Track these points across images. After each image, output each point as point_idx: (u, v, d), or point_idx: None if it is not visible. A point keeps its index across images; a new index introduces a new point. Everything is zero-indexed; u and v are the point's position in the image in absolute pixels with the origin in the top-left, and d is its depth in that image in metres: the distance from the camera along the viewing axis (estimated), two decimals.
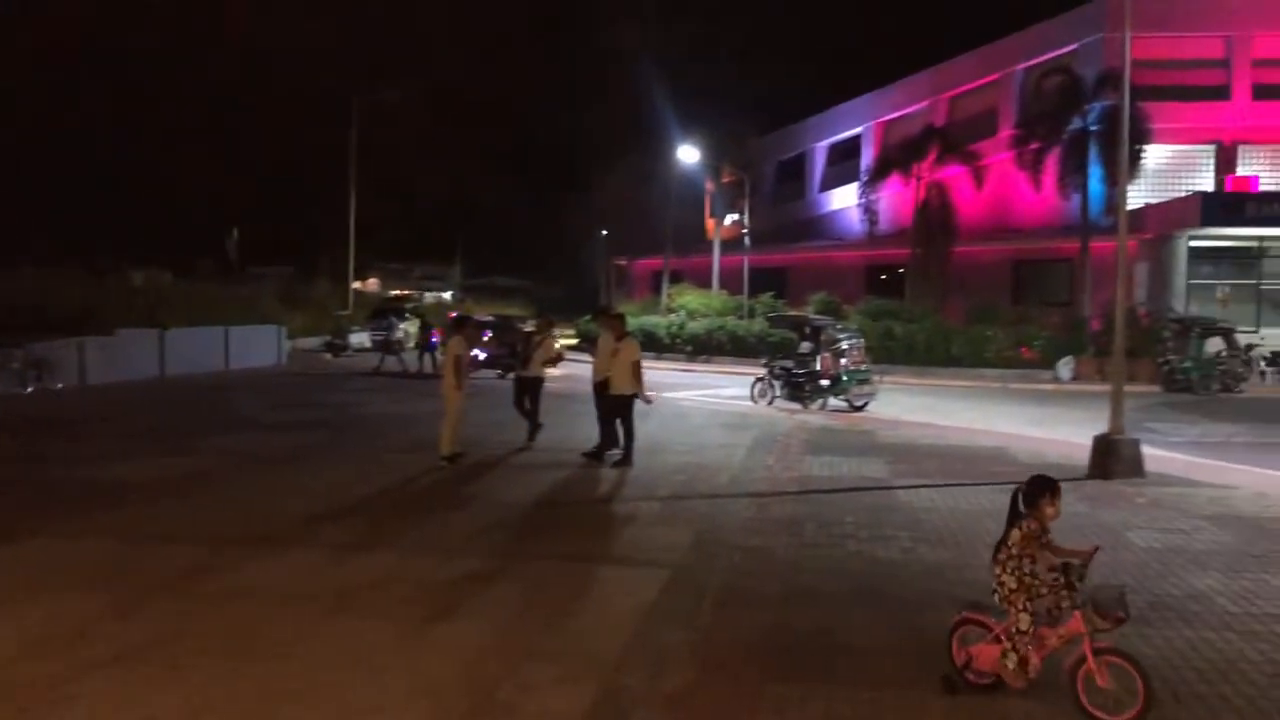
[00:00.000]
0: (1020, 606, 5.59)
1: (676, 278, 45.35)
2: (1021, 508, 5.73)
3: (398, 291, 63.00)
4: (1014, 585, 5.62)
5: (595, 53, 47.97)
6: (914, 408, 21.92)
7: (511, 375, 17.04)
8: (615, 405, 13.70)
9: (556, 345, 16.18)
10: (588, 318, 37.96)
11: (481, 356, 27.81)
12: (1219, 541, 9.59)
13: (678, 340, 37.25)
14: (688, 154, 40.26)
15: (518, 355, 16.27)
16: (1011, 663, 5.59)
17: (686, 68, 46.89)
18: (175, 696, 5.67)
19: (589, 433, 14.69)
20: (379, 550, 8.93)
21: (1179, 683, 5.97)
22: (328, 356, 35.90)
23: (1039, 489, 5.69)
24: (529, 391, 15.30)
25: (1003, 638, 5.66)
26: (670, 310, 40.97)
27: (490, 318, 32.41)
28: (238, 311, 32.99)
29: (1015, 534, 5.66)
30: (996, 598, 5.73)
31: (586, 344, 35.59)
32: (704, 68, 47.86)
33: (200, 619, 7.00)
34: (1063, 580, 5.50)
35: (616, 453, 13.71)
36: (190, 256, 45.23)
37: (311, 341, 38.44)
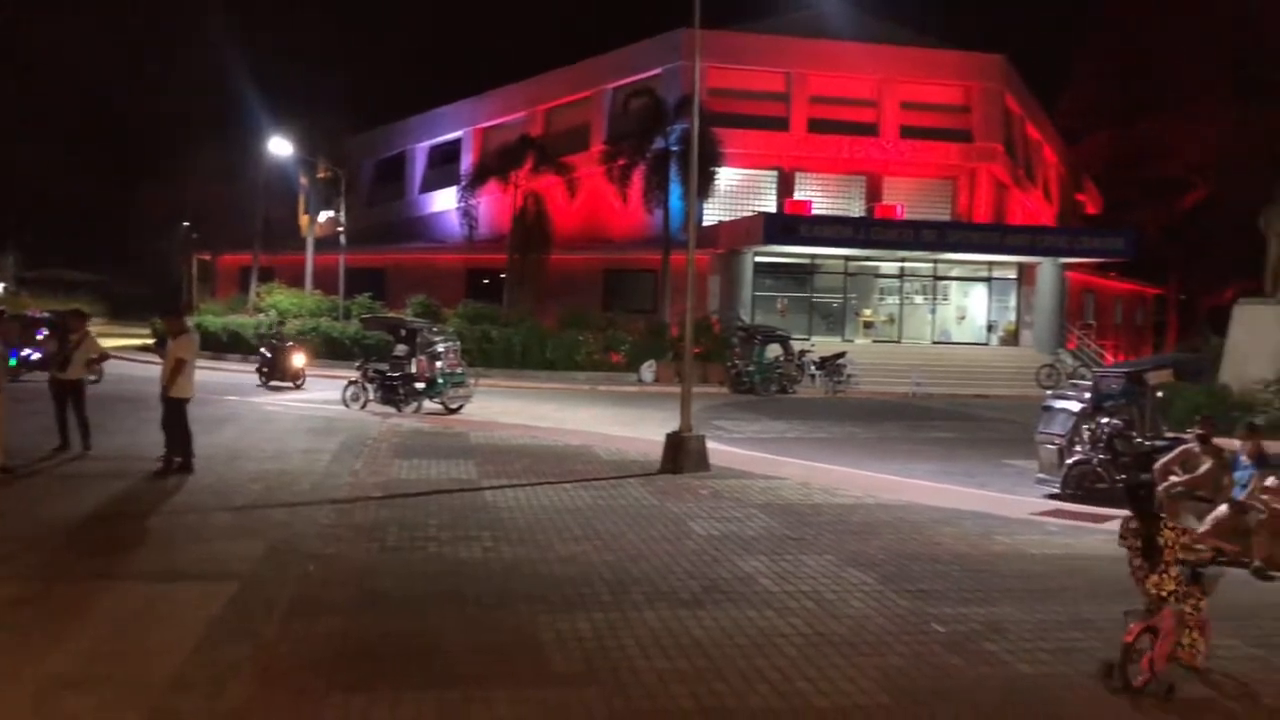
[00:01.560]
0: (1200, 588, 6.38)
1: (267, 275, 43.16)
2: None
3: None
4: (1181, 576, 6.33)
5: (177, 35, 44.46)
6: (508, 409, 22.37)
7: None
8: (167, 409, 12.67)
9: (101, 345, 14.69)
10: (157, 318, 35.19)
11: (35, 356, 24.90)
12: (767, 527, 10.62)
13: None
14: (279, 147, 38.40)
15: (54, 356, 14.66)
16: (1201, 644, 6.34)
17: (280, 58, 44.83)
18: None
19: (156, 439, 13.55)
20: None
21: (722, 659, 6.52)
22: None
23: (1149, 491, 6.49)
24: (71, 396, 13.83)
25: (1174, 628, 6.21)
26: (259, 310, 38.92)
27: (46, 314, 29.04)
28: None
29: (1170, 535, 6.32)
30: (1173, 598, 6.25)
31: (158, 345, 33.00)
32: (299, 60, 45.96)
33: None
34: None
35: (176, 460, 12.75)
36: None
37: None
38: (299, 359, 26.49)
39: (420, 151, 53.70)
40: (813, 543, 9.97)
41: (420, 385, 21.12)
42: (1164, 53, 46.37)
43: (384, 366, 21.80)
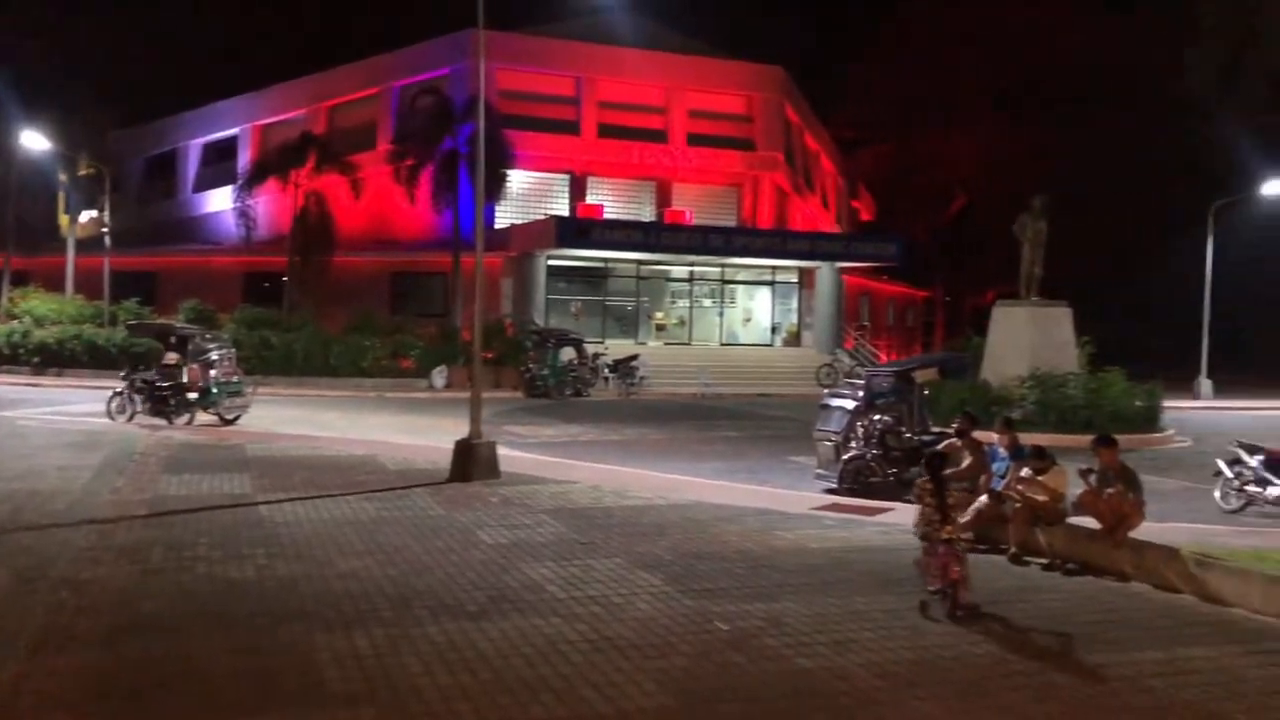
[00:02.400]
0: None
1: (21, 279, 39.85)
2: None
3: None
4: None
5: None
6: (289, 419, 21.49)
7: None
8: None
9: None
10: None
11: None
12: (556, 533, 10.56)
13: (22, 351, 32.77)
14: (34, 141, 35.55)
15: None
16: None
17: (35, 45, 41.51)
18: None
19: None
20: None
21: (507, 670, 6.40)
22: None
23: (942, 460, 9.12)
24: None
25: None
26: (13, 316, 35.91)
27: None
28: None
29: (955, 495, 8.85)
30: (958, 541, 8.20)
31: None
32: (58, 48, 42.65)
33: None
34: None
35: None
36: None
37: None
38: None
39: (194, 148, 50.90)
40: (602, 546, 9.98)
41: (193, 395, 19.98)
42: (930, 72, 49.44)
43: (153, 376, 20.52)
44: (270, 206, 39.47)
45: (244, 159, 45.01)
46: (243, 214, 37.56)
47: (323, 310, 34.87)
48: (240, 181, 38.56)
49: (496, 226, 39.13)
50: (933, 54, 49.44)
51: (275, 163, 37.06)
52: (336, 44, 48.26)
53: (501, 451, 14.76)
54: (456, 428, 16.41)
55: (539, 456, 16.65)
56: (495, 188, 34.68)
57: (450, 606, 7.77)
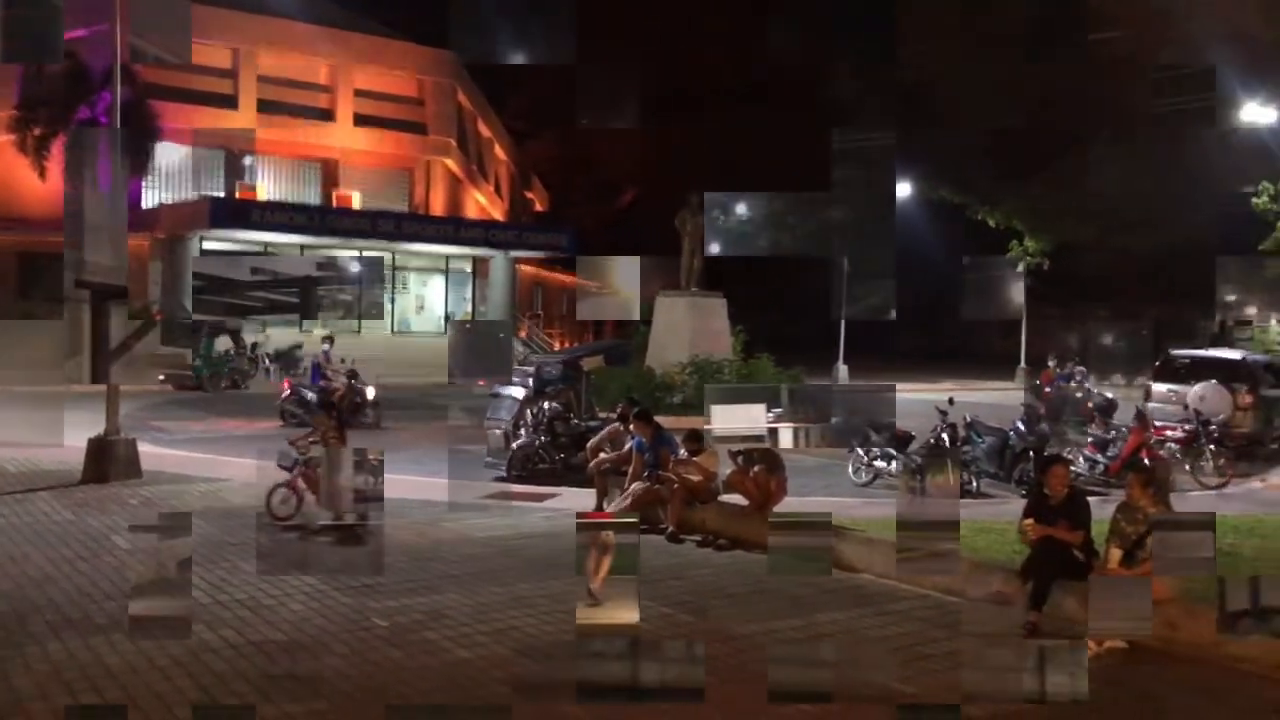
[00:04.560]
0: None
1: None
2: None
3: None
4: None
5: None
6: None
7: None
8: None
9: None
10: None
11: None
12: (203, 534, 9.81)
13: None
14: None
15: None
16: None
17: None
18: None
19: None
20: None
21: (139, 685, 5.89)
22: None
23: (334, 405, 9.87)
24: None
25: None
26: None
27: None
28: None
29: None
30: None
31: None
32: None
33: None
34: None
35: None
36: None
37: None
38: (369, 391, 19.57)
39: None
40: (254, 547, 9.43)
41: None
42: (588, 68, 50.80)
43: None
44: None
45: None
46: None
47: None
48: None
49: (144, 206, 36.17)
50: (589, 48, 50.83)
51: None
52: None
53: (145, 449, 13.70)
54: (93, 423, 15.00)
55: (188, 453, 15.57)
56: (139, 163, 32.09)
57: (76, 620, 7.07)
